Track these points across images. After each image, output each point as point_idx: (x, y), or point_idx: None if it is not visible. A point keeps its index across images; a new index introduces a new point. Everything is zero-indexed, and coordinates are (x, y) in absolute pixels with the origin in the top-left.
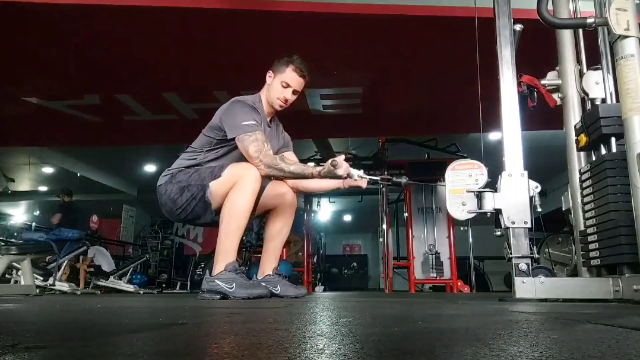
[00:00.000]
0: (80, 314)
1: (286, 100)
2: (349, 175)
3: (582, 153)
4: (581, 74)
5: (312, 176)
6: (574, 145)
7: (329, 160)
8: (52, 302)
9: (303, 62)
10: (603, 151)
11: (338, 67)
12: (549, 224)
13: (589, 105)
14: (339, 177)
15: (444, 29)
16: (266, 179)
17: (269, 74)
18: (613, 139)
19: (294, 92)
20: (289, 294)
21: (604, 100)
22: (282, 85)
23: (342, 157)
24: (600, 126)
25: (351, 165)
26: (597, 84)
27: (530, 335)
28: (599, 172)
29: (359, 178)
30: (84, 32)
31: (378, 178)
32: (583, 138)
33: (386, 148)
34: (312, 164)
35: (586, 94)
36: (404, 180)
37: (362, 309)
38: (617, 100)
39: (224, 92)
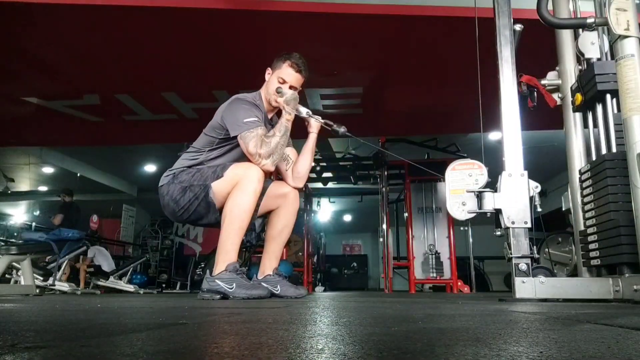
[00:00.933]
0: (80, 314)
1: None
2: (297, 112)
3: (582, 153)
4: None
5: (288, 121)
6: (574, 145)
7: (278, 99)
8: (52, 302)
9: (301, 58)
10: (599, 109)
11: (338, 67)
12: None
13: (584, 66)
14: (293, 100)
15: (444, 29)
16: (268, 179)
17: (268, 71)
18: (608, 96)
19: (291, 88)
20: (289, 294)
21: (599, 60)
22: (278, 81)
23: (283, 87)
24: (596, 83)
25: (353, 168)
26: (593, 44)
27: (530, 335)
28: (599, 172)
29: (307, 116)
30: (84, 32)
31: (322, 120)
32: (578, 97)
33: (386, 148)
34: (285, 119)
35: (582, 54)
36: (341, 129)
37: (362, 309)
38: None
39: (224, 92)
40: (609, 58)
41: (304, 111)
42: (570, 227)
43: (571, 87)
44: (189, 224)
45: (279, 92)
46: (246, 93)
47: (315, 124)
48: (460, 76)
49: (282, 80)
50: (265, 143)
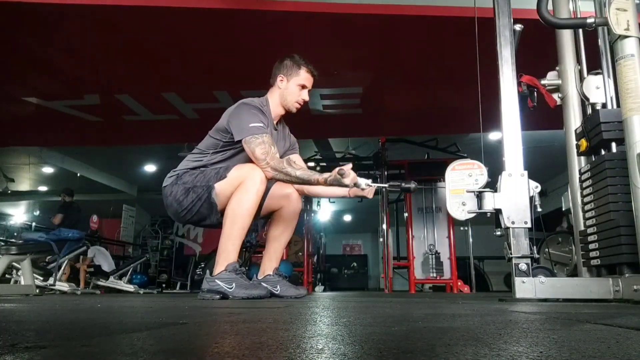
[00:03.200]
0: (80, 313)
1: (304, 102)
2: (355, 185)
3: None
4: (581, 75)
5: (317, 183)
6: (574, 145)
7: (337, 169)
8: (52, 302)
9: (308, 61)
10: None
11: (338, 67)
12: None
13: (589, 110)
14: (345, 186)
15: (444, 29)
16: (271, 180)
17: (280, 77)
18: (614, 144)
19: (309, 92)
20: (289, 294)
21: (604, 105)
22: (299, 87)
23: (350, 165)
24: (601, 131)
25: (353, 168)
26: (598, 89)
27: (530, 335)
28: (599, 172)
29: (367, 187)
30: (84, 32)
31: (386, 185)
32: (584, 143)
33: (386, 148)
34: (321, 174)
35: (586, 98)
36: (412, 185)
37: (362, 309)
38: (618, 105)
39: (224, 92)
40: (614, 102)
41: (362, 183)
42: (570, 227)
43: (575, 131)
44: (191, 225)
45: (341, 174)
46: (253, 98)
47: (370, 193)
48: (460, 76)
49: (303, 86)
50: (280, 163)
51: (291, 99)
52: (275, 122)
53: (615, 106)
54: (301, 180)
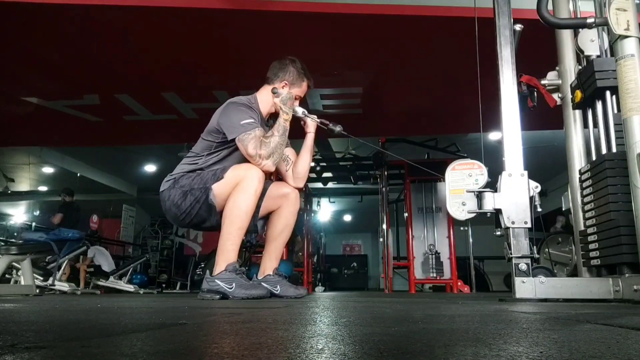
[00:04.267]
0: (80, 314)
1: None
2: (293, 111)
3: (582, 153)
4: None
5: (285, 121)
6: (574, 145)
7: (274, 99)
8: (52, 302)
9: (307, 68)
10: (598, 107)
11: (338, 67)
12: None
13: (584, 63)
14: (289, 100)
15: (444, 29)
16: (268, 180)
17: (284, 83)
18: (608, 93)
19: (296, 98)
20: (289, 295)
21: (598, 57)
22: (296, 98)
23: (277, 87)
24: (595, 79)
25: (353, 168)
26: (592, 42)
27: (530, 335)
28: (599, 172)
29: (304, 115)
30: (84, 32)
31: (318, 120)
32: (578, 94)
33: (386, 148)
34: (280, 118)
35: (581, 51)
36: (337, 128)
37: (362, 309)
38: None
39: (224, 92)
40: (609, 55)
41: (299, 111)
42: (563, 227)
43: (571, 85)
44: (191, 228)
45: (274, 92)
46: (241, 96)
47: (311, 123)
48: (460, 76)
49: (300, 97)
50: (265, 143)
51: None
52: (266, 119)
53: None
54: (283, 135)
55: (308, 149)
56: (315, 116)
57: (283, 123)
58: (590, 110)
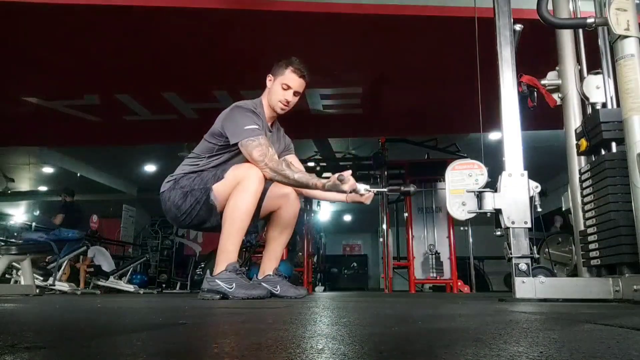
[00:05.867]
0: (80, 314)
1: (287, 102)
2: (354, 191)
3: None
4: (581, 75)
5: (315, 187)
6: (574, 145)
7: (336, 175)
8: (52, 302)
9: (302, 63)
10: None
11: (338, 67)
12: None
13: (589, 110)
14: (343, 192)
15: (444, 29)
16: (269, 180)
17: (269, 77)
18: (614, 144)
19: (295, 93)
20: (289, 295)
21: (604, 105)
22: (282, 87)
23: (349, 172)
24: (601, 131)
25: (353, 168)
26: (598, 88)
27: (530, 335)
28: (599, 172)
29: (365, 192)
30: (84, 32)
31: (385, 190)
32: (584, 143)
33: (386, 148)
34: (319, 179)
35: (586, 98)
36: (411, 188)
37: (362, 309)
38: (618, 105)
39: (224, 92)
40: (614, 102)
41: (362, 189)
42: (562, 227)
43: (575, 130)
44: (192, 229)
45: (341, 180)
46: (246, 100)
47: (368, 199)
48: (460, 76)
49: (287, 86)
50: (279, 164)
51: (275, 98)
52: (270, 124)
53: (615, 106)
54: (299, 184)
55: (332, 198)
56: (385, 189)
57: (320, 186)
58: (595, 157)
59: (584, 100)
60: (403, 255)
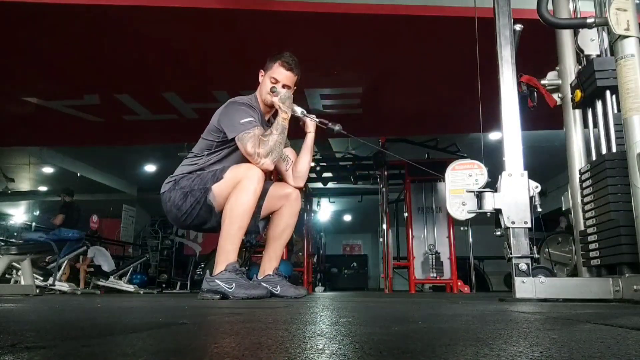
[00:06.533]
0: (80, 314)
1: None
2: (293, 111)
3: (582, 153)
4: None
5: (284, 120)
6: (574, 145)
7: (273, 98)
8: (52, 302)
9: (292, 56)
10: (598, 106)
11: (338, 67)
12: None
13: (584, 63)
14: (288, 99)
15: (444, 29)
16: (268, 180)
17: (261, 72)
18: (608, 92)
19: (284, 87)
20: (289, 295)
21: (599, 57)
22: (271, 81)
23: (276, 86)
24: (595, 79)
25: (353, 168)
26: (592, 41)
27: (530, 335)
28: (599, 172)
29: (302, 115)
30: (85, 32)
31: (317, 119)
32: (578, 94)
33: (386, 148)
34: (278, 117)
35: (581, 50)
36: (337, 127)
37: (362, 309)
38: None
39: (224, 92)
40: (609, 55)
41: (298, 110)
42: (567, 227)
43: (571, 84)
44: (193, 230)
45: (273, 91)
46: (242, 96)
47: (311, 123)
48: (460, 76)
49: (275, 80)
50: (263, 142)
51: (265, 91)
52: (266, 118)
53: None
54: (282, 134)
55: (308, 148)
56: (314, 116)
57: (282, 122)
58: (590, 109)
59: (579, 53)
60: (403, 255)
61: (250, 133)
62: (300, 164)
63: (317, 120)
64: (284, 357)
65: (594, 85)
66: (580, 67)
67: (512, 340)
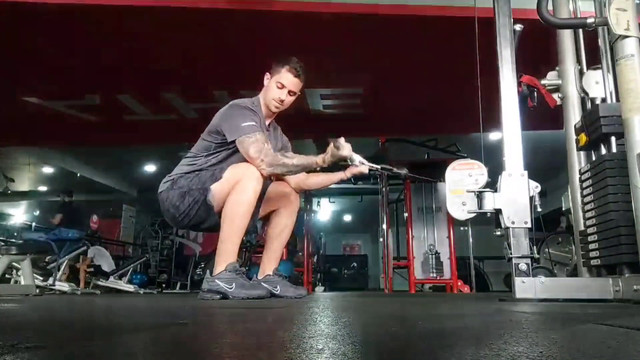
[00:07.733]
0: (80, 314)
1: (282, 101)
2: (351, 159)
3: (582, 153)
4: (581, 74)
5: (317, 165)
6: (574, 145)
7: (331, 144)
8: (52, 302)
9: (299, 63)
10: (603, 151)
11: (338, 67)
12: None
13: (589, 105)
14: (343, 159)
15: (444, 29)
16: (267, 180)
17: (267, 75)
18: (613, 138)
19: (290, 92)
20: (289, 295)
21: (604, 100)
22: (277, 86)
23: (343, 138)
24: (600, 125)
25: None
26: (597, 84)
27: (530, 335)
28: (599, 172)
29: (360, 164)
30: (84, 32)
31: (379, 167)
32: (583, 137)
33: (386, 148)
34: (318, 156)
35: (586, 93)
36: (404, 171)
37: (362, 309)
38: (617, 100)
39: (224, 92)
40: (614, 97)
41: (356, 159)
42: (568, 227)
43: (575, 125)
44: (190, 230)
45: (337, 147)
46: (244, 99)
47: (365, 169)
48: (460, 77)
49: (281, 85)
50: (275, 157)
51: (270, 96)
52: (267, 123)
53: (614, 101)
54: (300, 168)
55: (332, 181)
56: (379, 166)
57: (321, 162)
58: (594, 153)
59: (584, 100)
60: (403, 255)
61: (252, 138)
62: (315, 182)
63: (377, 167)
64: (284, 357)
65: (599, 131)
66: (583, 113)
67: (512, 340)
